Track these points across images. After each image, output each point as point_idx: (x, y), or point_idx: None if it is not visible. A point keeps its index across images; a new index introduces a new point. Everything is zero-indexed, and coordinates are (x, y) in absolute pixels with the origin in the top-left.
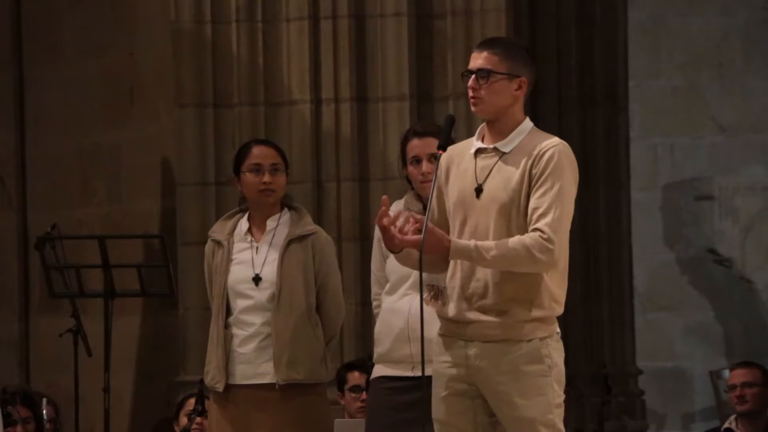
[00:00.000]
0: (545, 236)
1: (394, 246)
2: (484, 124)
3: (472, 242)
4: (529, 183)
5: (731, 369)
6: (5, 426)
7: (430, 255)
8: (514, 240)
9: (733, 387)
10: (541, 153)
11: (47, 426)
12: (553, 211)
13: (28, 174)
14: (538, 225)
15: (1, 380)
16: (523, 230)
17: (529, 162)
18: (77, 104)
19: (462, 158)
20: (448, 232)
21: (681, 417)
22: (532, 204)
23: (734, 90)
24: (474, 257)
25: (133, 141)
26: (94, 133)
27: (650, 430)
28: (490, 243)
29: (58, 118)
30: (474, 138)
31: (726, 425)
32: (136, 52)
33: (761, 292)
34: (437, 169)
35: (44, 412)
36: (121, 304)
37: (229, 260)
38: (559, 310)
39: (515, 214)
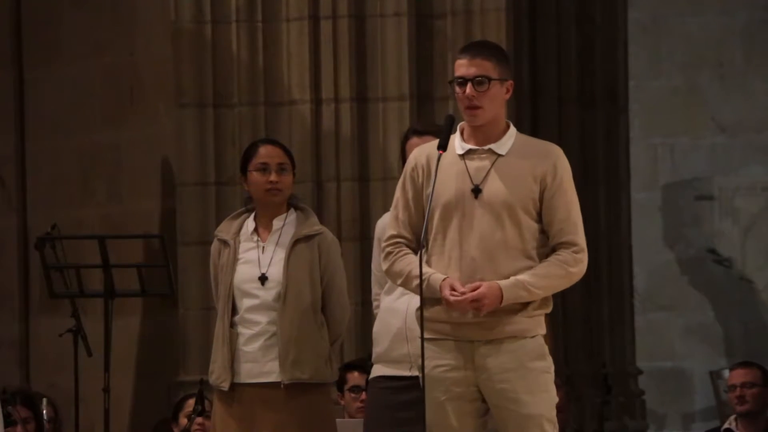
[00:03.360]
0: (575, 248)
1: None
2: (462, 125)
3: (517, 280)
4: (541, 189)
5: (731, 369)
6: (5, 426)
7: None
8: (550, 265)
9: (733, 387)
10: (552, 162)
11: (47, 426)
12: (576, 220)
13: (28, 174)
14: (569, 239)
15: (1, 380)
16: (530, 232)
17: (540, 168)
18: (77, 104)
19: (444, 159)
20: (418, 233)
21: (681, 417)
22: (557, 216)
23: (734, 90)
24: (524, 295)
25: (133, 141)
26: (94, 133)
27: (650, 430)
28: (532, 279)
29: (58, 118)
30: (456, 140)
31: (726, 425)
32: (136, 52)
33: (761, 292)
34: (438, 169)
35: (44, 412)
36: (121, 304)
37: (235, 259)
38: (551, 306)
39: (523, 216)
